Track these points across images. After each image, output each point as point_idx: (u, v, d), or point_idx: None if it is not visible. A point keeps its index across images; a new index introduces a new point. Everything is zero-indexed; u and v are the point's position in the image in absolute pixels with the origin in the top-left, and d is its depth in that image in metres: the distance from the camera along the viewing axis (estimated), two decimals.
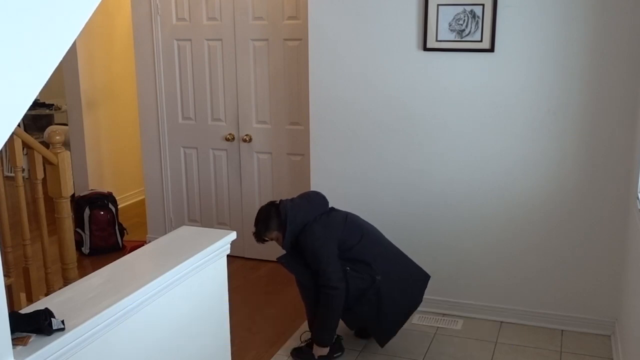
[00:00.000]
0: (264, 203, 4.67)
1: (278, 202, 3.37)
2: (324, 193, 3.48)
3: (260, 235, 3.37)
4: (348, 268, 3.23)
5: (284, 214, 3.27)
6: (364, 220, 3.47)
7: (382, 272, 3.26)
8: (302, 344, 3.49)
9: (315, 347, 3.33)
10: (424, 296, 3.85)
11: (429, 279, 3.47)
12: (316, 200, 3.41)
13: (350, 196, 3.90)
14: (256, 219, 3.40)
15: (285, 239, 3.29)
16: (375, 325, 3.33)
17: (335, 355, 3.40)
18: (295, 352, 3.47)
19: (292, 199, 3.40)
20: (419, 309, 3.87)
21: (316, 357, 3.33)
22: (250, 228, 4.76)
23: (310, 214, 3.30)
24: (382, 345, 3.39)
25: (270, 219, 3.33)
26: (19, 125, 2.12)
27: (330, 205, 3.43)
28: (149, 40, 4.78)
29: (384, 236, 3.48)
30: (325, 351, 3.33)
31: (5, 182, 3.64)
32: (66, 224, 3.48)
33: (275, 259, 4.72)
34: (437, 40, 3.58)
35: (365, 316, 3.30)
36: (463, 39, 3.53)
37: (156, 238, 2.92)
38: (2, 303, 1.59)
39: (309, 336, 3.48)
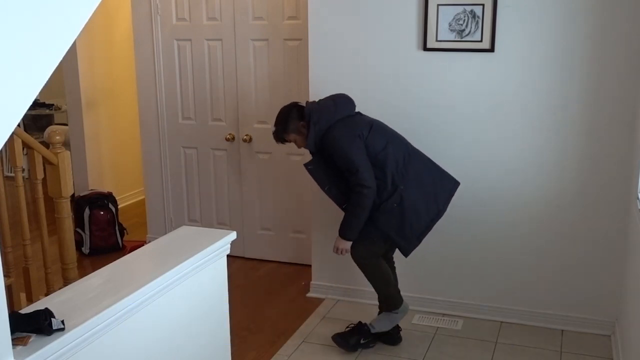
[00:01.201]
0: (264, 203, 4.72)
1: (301, 104, 3.34)
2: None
3: (279, 135, 3.36)
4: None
5: (308, 114, 3.22)
6: (390, 128, 3.39)
7: (405, 182, 3.22)
8: (346, 330, 3.53)
9: (338, 239, 3.32)
10: (425, 296, 3.86)
11: (457, 187, 3.39)
12: (342, 102, 3.33)
13: None
14: (276, 119, 3.37)
15: (309, 140, 3.23)
16: (398, 236, 3.29)
17: (363, 342, 3.45)
18: (337, 336, 3.50)
19: (319, 101, 3.35)
20: (419, 308, 3.88)
21: (338, 248, 3.32)
22: (250, 228, 4.78)
23: (335, 115, 3.23)
24: (406, 255, 3.36)
25: (289, 120, 3.30)
26: (19, 125, 2.12)
27: (357, 110, 3.36)
28: (149, 40, 4.78)
29: (410, 144, 3.37)
30: (347, 244, 3.30)
31: (5, 182, 3.64)
32: (66, 224, 3.48)
33: (274, 259, 4.75)
34: (437, 40, 3.58)
35: (386, 226, 3.26)
36: (463, 39, 3.53)
37: (156, 238, 2.92)
38: (2, 303, 1.59)
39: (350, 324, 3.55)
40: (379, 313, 3.53)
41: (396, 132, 3.40)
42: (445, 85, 3.64)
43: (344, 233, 3.30)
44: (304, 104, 3.36)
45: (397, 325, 3.55)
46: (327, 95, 3.84)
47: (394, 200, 3.22)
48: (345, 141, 3.18)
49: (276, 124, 3.37)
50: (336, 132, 3.20)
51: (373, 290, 3.51)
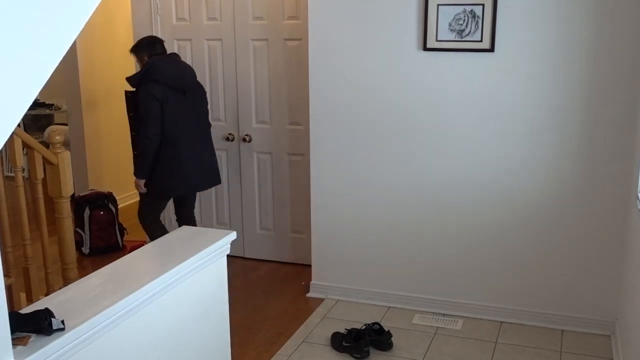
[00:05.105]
0: (264, 203, 4.71)
1: (162, 44, 4.06)
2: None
3: (134, 50, 4.04)
4: None
5: (151, 62, 3.89)
6: (193, 121, 4.05)
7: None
8: (345, 331, 3.53)
9: (135, 179, 4.04)
10: (425, 296, 3.86)
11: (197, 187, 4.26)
12: (179, 74, 3.98)
13: (351, 196, 3.90)
14: (141, 40, 4.07)
15: (135, 77, 3.92)
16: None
17: (345, 345, 3.43)
18: (333, 335, 3.53)
19: (167, 57, 4.02)
20: (419, 308, 3.89)
21: (135, 185, 4.07)
22: (250, 228, 4.78)
23: (165, 76, 3.87)
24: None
25: (144, 48, 3.99)
26: (19, 125, 2.12)
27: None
28: None
29: (191, 132, 4.04)
30: (141, 182, 4.01)
31: (5, 182, 3.63)
32: (66, 224, 3.47)
33: (274, 259, 4.76)
34: (437, 40, 3.58)
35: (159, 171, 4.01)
36: (463, 39, 3.53)
37: None
38: (2, 303, 1.58)
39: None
40: None
41: (192, 128, 4.05)
42: (445, 85, 3.64)
43: (136, 174, 4.03)
44: (162, 46, 4.05)
45: (388, 331, 3.48)
46: (326, 94, 3.85)
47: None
48: (153, 100, 3.83)
49: (137, 42, 4.08)
50: (152, 89, 3.83)
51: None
